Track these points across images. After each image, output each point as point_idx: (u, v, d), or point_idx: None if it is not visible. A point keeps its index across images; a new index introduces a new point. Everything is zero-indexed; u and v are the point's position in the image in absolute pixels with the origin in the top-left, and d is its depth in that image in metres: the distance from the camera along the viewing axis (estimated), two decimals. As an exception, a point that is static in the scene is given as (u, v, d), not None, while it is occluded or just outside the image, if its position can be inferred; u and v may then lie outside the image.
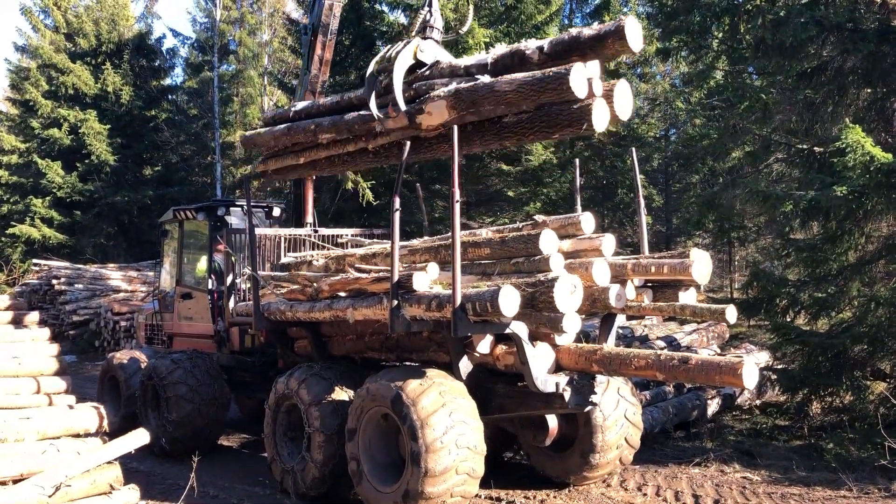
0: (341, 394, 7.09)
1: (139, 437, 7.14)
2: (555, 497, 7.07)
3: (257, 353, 9.73)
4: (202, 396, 9.16)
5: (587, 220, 6.70)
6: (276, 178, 9.44)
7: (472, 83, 6.09)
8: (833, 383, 8.01)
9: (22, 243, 26.28)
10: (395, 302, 6.29)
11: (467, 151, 7.07)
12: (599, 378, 6.60)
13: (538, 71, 5.71)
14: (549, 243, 6.27)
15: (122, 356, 10.64)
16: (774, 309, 8.67)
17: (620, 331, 11.55)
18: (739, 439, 9.16)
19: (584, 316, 7.52)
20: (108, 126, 26.07)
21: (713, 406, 10.40)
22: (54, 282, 21.49)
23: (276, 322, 8.05)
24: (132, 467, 8.77)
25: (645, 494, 7.11)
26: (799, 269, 9.22)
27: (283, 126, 8.20)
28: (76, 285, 21.56)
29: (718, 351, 11.98)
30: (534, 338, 6.37)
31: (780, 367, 9.19)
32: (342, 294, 7.26)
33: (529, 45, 6.01)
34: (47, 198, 26.11)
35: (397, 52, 6.74)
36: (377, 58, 6.95)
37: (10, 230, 25.90)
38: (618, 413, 7.15)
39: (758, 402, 10.96)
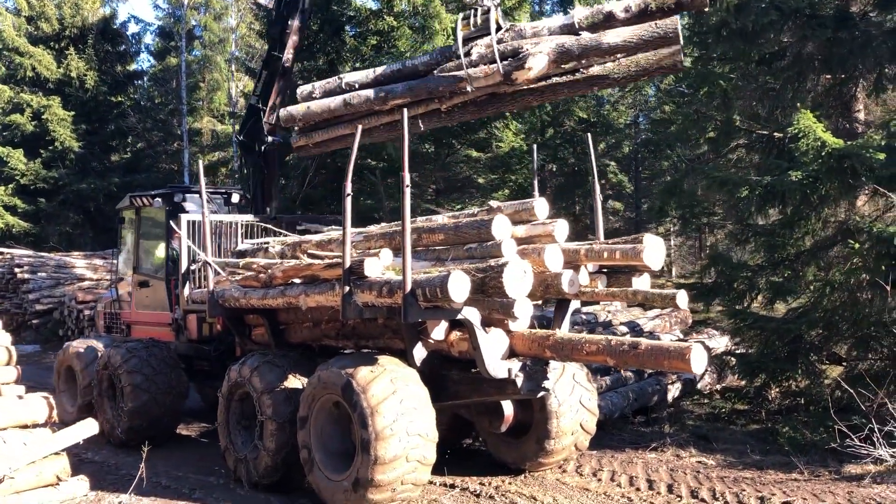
0: (294, 381, 7.01)
1: (87, 428, 7.03)
2: (510, 483, 7.05)
3: (215, 342, 9.62)
4: (158, 386, 9.02)
5: (541, 206, 6.64)
6: (315, 152, 9.56)
7: (577, 38, 6.78)
8: (789, 368, 8.06)
9: (-16, 231, 25.80)
10: (347, 288, 6.23)
11: (552, 98, 8.62)
12: (553, 364, 6.58)
13: (647, 25, 6.46)
14: (502, 229, 6.20)
15: (78, 345, 10.44)
16: (732, 294, 8.70)
17: (584, 316, 11.57)
18: (698, 424, 9.21)
19: (540, 302, 7.57)
20: (73, 112, 25.59)
21: (673, 391, 10.46)
22: (17, 270, 21.10)
23: (230, 309, 7.95)
24: (86, 458, 8.66)
25: (600, 480, 7.12)
26: (758, 254, 9.26)
27: (339, 98, 8.34)
28: (39, 274, 21.19)
29: (681, 336, 12.05)
30: (487, 323, 6.32)
31: (738, 352, 9.23)
32: (297, 281, 7.18)
33: (615, 6, 6.68)
34: (10, 185, 25.62)
35: (484, 16, 7.33)
36: (460, 23, 7.52)
37: (-28, 218, 25.41)
38: (573, 399, 7.14)
39: (718, 386, 11.04)
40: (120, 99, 26.95)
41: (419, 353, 6.56)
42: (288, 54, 10.77)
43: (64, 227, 25.97)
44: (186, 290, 8.68)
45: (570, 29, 6.98)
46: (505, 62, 6.98)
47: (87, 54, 26.24)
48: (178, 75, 26.19)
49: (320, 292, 6.66)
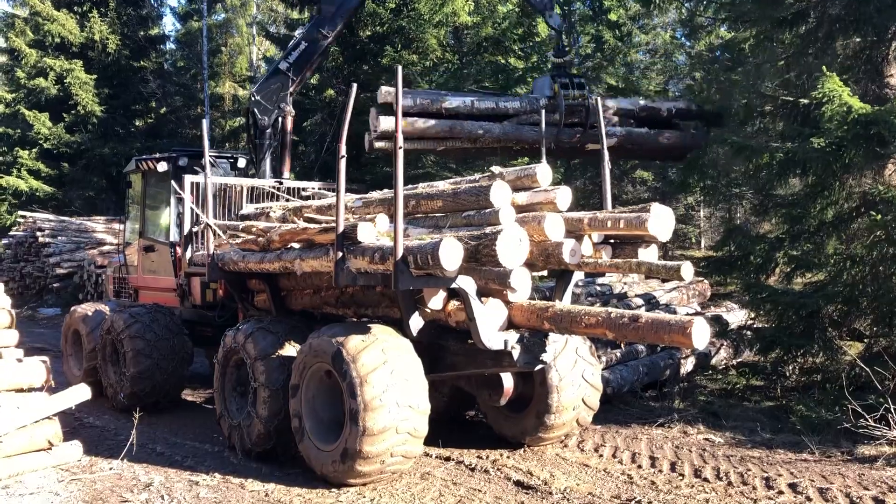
0: (289, 348, 6.86)
1: (79, 393, 6.97)
2: (508, 457, 6.86)
3: (219, 308, 9.51)
4: (160, 351, 8.95)
5: (543, 172, 6.35)
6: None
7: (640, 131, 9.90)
8: (804, 343, 7.73)
9: (10, 195, 25.97)
10: (340, 254, 6.04)
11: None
12: (554, 337, 6.35)
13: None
14: (501, 196, 5.95)
15: (85, 309, 10.41)
16: (748, 267, 8.35)
17: (599, 288, 11.31)
18: (710, 400, 8.93)
19: (545, 273, 7.32)
20: (95, 76, 25.54)
21: (687, 365, 10.18)
22: (38, 234, 21.31)
23: (229, 273, 7.81)
24: (88, 422, 8.65)
25: (601, 455, 6.90)
26: (778, 226, 8.88)
27: (446, 124, 10.31)
28: (60, 238, 21.36)
29: (699, 309, 11.73)
30: (485, 293, 6.09)
31: (755, 326, 8.91)
32: (295, 245, 7.01)
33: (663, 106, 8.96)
34: (34, 149, 25.74)
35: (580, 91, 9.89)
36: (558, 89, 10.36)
37: (-2, 182, 25.61)
38: (574, 373, 6.92)
39: (735, 362, 10.74)
40: (143, 63, 26.84)
41: (415, 322, 6.35)
42: (335, 35, 10.87)
43: (87, 192, 26.08)
44: (188, 253, 8.57)
45: (630, 114, 10.76)
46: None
47: (109, 17, 26.12)
48: (200, 39, 25.97)
49: (315, 257, 6.47)
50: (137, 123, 27.62)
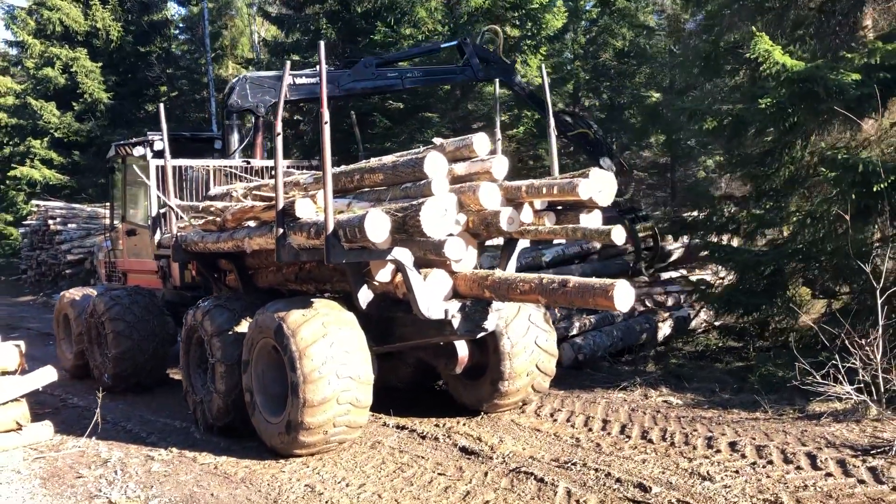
0: (245, 325, 6.99)
1: (46, 375, 7.19)
2: (464, 424, 6.97)
3: (199, 289, 9.68)
4: (141, 332, 9.16)
5: (480, 142, 6.34)
6: None
7: None
8: (764, 303, 7.70)
9: (25, 185, 26.50)
10: (281, 230, 6.15)
11: None
12: (498, 305, 6.41)
13: None
14: (435, 167, 5.99)
15: (73, 293, 10.68)
16: (711, 226, 8.30)
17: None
18: (681, 363, 8.96)
19: (501, 241, 7.35)
20: (100, 64, 25.84)
21: (665, 329, 10.19)
22: (50, 222, 21.74)
23: (192, 253, 7.96)
24: (71, 402, 8.91)
25: (556, 420, 6.98)
26: (744, 186, 8.79)
27: None
28: (70, 225, 21.78)
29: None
30: (426, 265, 6.17)
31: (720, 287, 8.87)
32: (251, 224, 7.13)
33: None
34: (45, 139, 26.18)
35: None
36: None
37: (12, 172, 26.10)
38: (527, 340, 6.98)
39: (717, 323, 10.70)
40: (146, 49, 27.06)
41: (364, 295, 6.43)
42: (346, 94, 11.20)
43: (99, 179, 26.44)
44: (157, 236, 8.74)
45: None
46: None
47: (111, 4, 26.33)
48: (202, 22, 26.09)
49: (261, 234, 6.60)
50: (149, 108, 27.90)
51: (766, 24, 8.62)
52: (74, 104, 25.97)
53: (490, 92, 19.46)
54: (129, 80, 26.88)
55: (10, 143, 27.33)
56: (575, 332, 9.49)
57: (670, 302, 10.58)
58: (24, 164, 26.13)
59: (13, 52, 28.71)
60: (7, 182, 27.44)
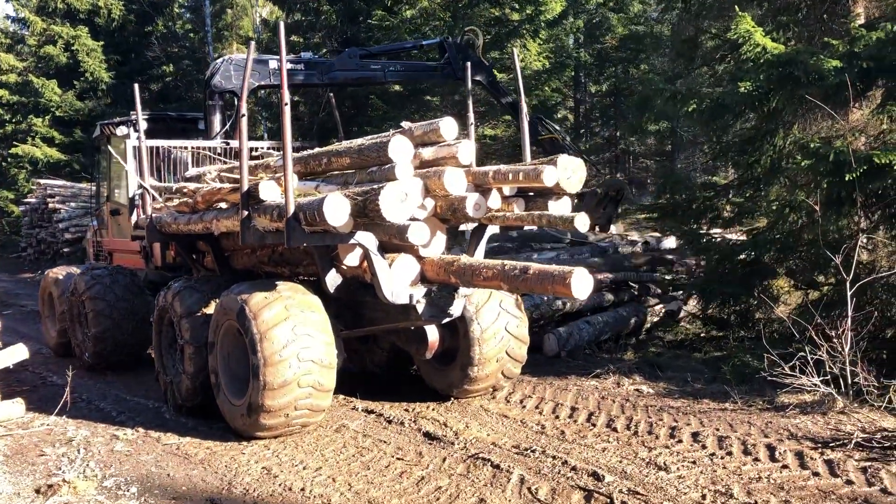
0: (214, 306, 6.98)
1: (16, 353, 7.19)
2: (433, 409, 6.96)
3: (180, 269, 9.68)
4: (120, 312, 9.17)
5: (447, 127, 6.27)
6: None
7: None
8: (740, 293, 7.63)
9: (27, 163, 26.55)
10: (246, 212, 6.13)
11: None
12: (465, 290, 6.38)
13: None
14: (400, 151, 5.93)
15: (57, 272, 10.70)
16: (689, 215, 8.21)
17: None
18: (660, 352, 8.91)
19: (470, 227, 7.30)
20: (102, 43, 25.79)
21: (655, 318, 10.16)
22: (49, 201, 21.77)
23: (166, 234, 7.94)
24: (51, 381, 8.93)
25: (524, 407, 6.95)
26: (727, 174, 8.70)
27: None
28: (70, 204, 21.81)
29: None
30: (391, 249, 6.14)
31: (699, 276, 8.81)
32: (223, 206, 7.11)
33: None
34: (46, 117, 26.20)
35: None
36: None
37: (14, 150, 26.16)
38: (497, 326, 6.94)
39: (695, 313, 10.63)
40: (148, 28, 26.98)
41: (332, 279, 6.41)
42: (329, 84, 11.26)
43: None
44: (134, 217, 8.73)
45: None
46: None
47: (113, -18, 26.24)
48: (204, 1, 25.99)
49: (227, 216, 6.58)
50: (153, 87, 27.84)
51: (754, 9, 8.50)
52: (76, 83, 25.95)
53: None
54: (130, 60, 26.84)
55: (13, 120, 27.36)
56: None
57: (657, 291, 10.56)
58: (25, 142, 26.17)
59: (13, 28, 28.64)
60: (9, 160, 27.53)
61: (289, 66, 10.37)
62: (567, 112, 26.62)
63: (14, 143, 26.52)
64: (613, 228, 13.36)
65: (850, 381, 6.24)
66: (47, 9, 26.16)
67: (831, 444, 5.43)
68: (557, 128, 11.41)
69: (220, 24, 27.36)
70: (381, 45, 15.19)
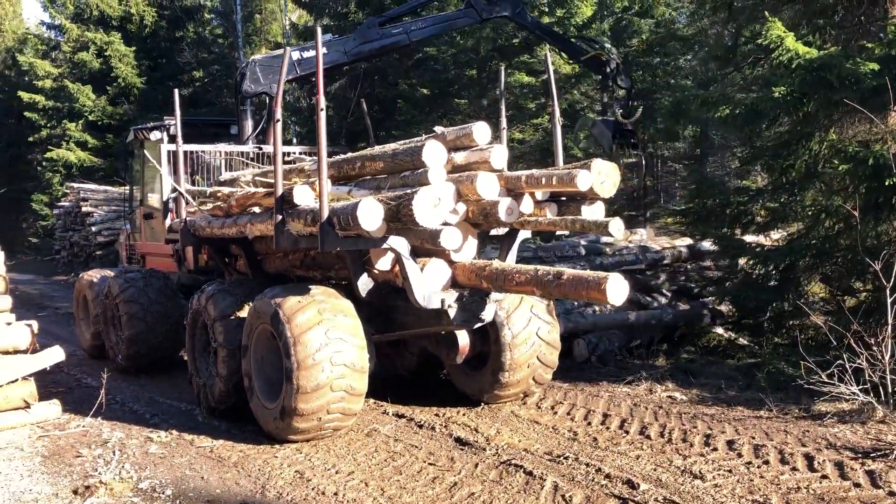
0: (247, 310, 7.03)
1: (53, 356, 7.29)
2: (464, 415, 6.94)
3: (213, 273, 9.77)
4: (154, 315, 9.27)
5: (481, 131, 6.27)
6: None
7: None
8: (775, 299, 7.52)
9: (61, 167, 27.00)
10: (280, 217, 6.17)
11: None
12: (497, 295, 6.37)
13: None
14: (434, 156, 5.94)
15: (91, 275, 10.84)
16: (723, 220, 8.11)
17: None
18: (692, 358, 8.81)
19: (502, 232, 7.27)
20: (134, 49, 26.16)
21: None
22: (82, 204, 22.11)
23: (200, 238, 8.02)
24: (85, 383, 9.05)
25: (556, 413, 6.91)
26: (760, 178, 8.59)
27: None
28: (104, 207, 22.12)
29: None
30: (423, 254, 6.14)
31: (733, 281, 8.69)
32: (256, 210, 7.16)
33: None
34: (80, 122, 26.63)
35: None
36: None
37: (48, 154, 26.62)
38: (528, 331, 6.91)
39: (729, 319, 10.49)
40: (179, 34, 27.33)
41: (364, 283, 6.43)
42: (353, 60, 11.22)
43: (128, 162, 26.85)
44: (168, 221, 8.82)
45: None
46: None
47: (145, -11, 26.64)
48: (234, 6, 26.24)
49: (262, 221, 6.63)
50: (183, 92, 28.14)
51: (788, 13, 8.40)
52: (108, 88, 26.34)
53: (517, 79, 19.35)
54: (161, 65, 27.20)
55: (48, 125, 27.84)
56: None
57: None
58: (59, 146, 26.62)
59: (48, 34, 29.16)
60: (44, 164, 28.00)
61: (310, 53, 10.42)
62: (595, 115, 26.48)
63: (49, 147, 26.97)
64: (643, 233, 13.24)
65: (890, 390, 6.13)
66: (83, 16, 26.60)
67: (872, 455, 5.32)
68: (607, 45, 11.06)
69: (249, 30, 27.61)
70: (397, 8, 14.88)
